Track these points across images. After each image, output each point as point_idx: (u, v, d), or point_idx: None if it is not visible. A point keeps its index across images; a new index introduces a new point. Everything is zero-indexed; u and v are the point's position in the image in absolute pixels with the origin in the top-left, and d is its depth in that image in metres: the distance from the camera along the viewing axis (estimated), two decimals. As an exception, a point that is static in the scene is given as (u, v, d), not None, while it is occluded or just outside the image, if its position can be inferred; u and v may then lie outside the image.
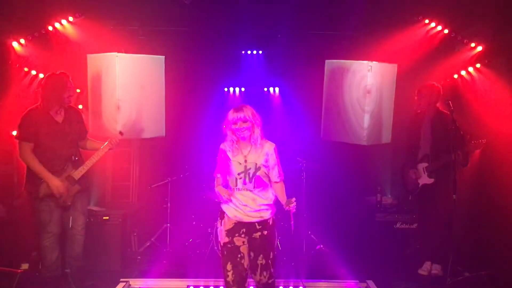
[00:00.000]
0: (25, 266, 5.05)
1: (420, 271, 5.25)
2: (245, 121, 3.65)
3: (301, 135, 6.72)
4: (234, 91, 7.27)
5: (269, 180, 3.78)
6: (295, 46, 6.53)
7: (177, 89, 5.99)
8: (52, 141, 4.39)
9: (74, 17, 5.61)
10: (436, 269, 5.18)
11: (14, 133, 5.43)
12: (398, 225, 5.72)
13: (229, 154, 3.74)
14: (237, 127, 3.66)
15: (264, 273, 3.69)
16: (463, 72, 5.85)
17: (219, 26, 6.16)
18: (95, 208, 5.55)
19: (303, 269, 5.17)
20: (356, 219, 6.26)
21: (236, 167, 3.70)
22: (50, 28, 5.51)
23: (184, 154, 6.59)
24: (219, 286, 4.70)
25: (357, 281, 4.85)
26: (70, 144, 4.51)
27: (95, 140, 4.75)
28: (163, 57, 5.32)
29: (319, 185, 6.32)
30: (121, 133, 4.69)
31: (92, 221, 5.07)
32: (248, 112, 3.67)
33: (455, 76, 5.93)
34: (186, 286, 4.76)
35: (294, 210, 3.59)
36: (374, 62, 5.03)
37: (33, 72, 5.60)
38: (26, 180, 4.44)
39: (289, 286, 4.68)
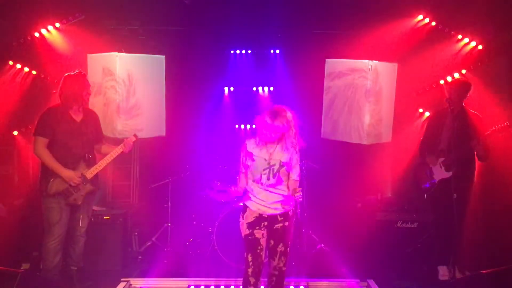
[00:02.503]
0: (26, 266, 5.06)
1: (442, 278, 5.02)
2: (276, 131, 3.73)
3: (301, 134, 6.71)
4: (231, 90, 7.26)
5: (287, 178, 3.87)
6: (296, 45, 6.53)
7: (178, 88, 6.00)
8: (68, 139, 4.45)
9: (74, 17, 5.62)
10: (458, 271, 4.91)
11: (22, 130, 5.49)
12: (399, 224, 5.70)
13: (254, 151, 3.84)
14: (266, 132, 3.75)
15: (282, 258, 3.87)
16: (463, 71, 5.84)
17: (219, 26, 6.16)
18: (95, 208, 5.54)
19: (304, 268, 5.17)
20: (356, 218, 6.25)
21: (260, 164, 3.81)
22: (49, 28, 5.53)
23: (184, 153, 6.59)
24: (220, 285, 4.70)
25: (358, 280, 4.84)
26: (85, 143, 4.56)
27: (110, 145, 4.76)
28: (163, 56, 5.33)
29: (320, 184, 6.32)
30: (135, 135, 4.70)
31: (93, 221, 5.06)
32: (282, 121, 3.72)
33: (463, 71, 5.83)
34: (187, 286, 4.75)
35: (301, 199, 3.71)
36: (374, 61, 5.04)
37: (34, 72, 5.62)
38: (40, 177, 4.49)
39: (290, 285, 4.68)
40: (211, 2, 5.82)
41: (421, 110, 5.94)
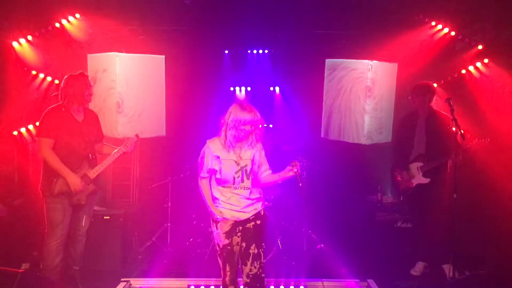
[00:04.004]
0: (26, 265, 5.05)
1: (413, 272, 5.22)
2: (254, 125, 3.60)
3: (302, 134, 6.73)
4: (234, 90, 7.26)
5: (256, 175, 3.76)
6: (295, 45, 6.53)
7: (177, 88, 5.99)
8: (71, 139, 4.43)
9: (74, 17, 5.63)
10: (426, 268, 5.20)
11: (22, 130, 5.47)
12: (398, 224, 5.71)
13: (221, 154, 3.66)
14: (245, 128, 3.59)
15: (255, 263, 3.67)
16: (463, 71, 5.84)
17: (219, 26, 6.17)
18: (96, 208, 5.54)
19: (304, 269, 5.17)
20: (356, 218, 6.26)
21: (230, 166, 3.65)
22: (50, 28, 5.53)
23: (184, 153, 6.58)
24: (220, 285, 4.70)
25: (358, 280, 4.84)
26: (87, 144, 4.55)
27: (111, 145, 4.76)
28: (163, 56, 5.33)
29: (320, 184, 6.32)
30: (137, 135, 4.69)
31: (93, 221, 5.06)
32: (258, 116, 3.61)
33: (463, 71, 5.85)
34: (186, 286, 4.76)
35: (300, 171, 3.56)
36: (374, 61, 5.03)
37: (33, 72, 5.62)
38: (42, 178, 4.46)
39: (289, 285, 4.68)
40: (211, 2, 5.83)
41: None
